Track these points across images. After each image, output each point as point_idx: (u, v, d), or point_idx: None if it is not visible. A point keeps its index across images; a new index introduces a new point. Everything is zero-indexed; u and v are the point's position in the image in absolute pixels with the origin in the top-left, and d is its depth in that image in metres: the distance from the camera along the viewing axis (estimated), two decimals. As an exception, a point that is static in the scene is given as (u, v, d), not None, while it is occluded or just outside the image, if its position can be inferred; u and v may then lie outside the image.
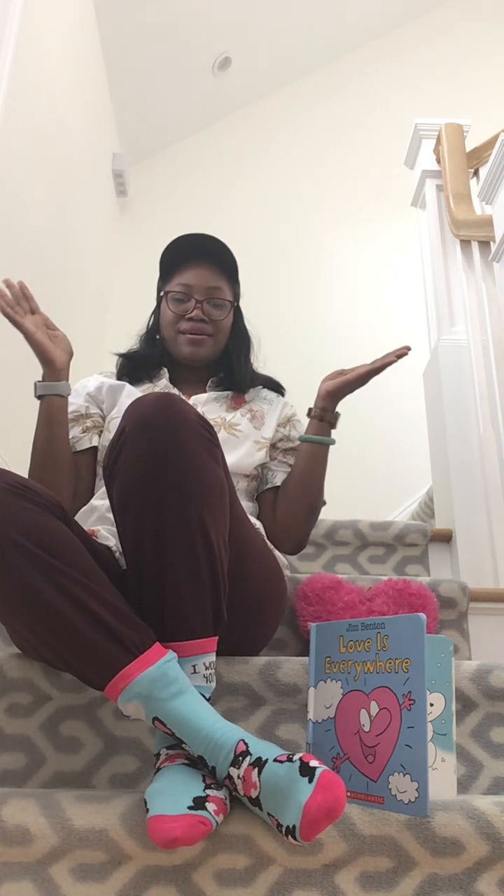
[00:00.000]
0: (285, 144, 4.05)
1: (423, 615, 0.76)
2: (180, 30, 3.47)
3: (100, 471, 1.36)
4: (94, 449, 1.37)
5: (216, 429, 1.29)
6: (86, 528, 1.16)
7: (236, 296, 1.50)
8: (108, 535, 1.14)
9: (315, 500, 1.36)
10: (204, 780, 0.77)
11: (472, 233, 2.12)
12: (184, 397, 1.27)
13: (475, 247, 2.14)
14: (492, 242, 2.02)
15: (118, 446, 0.91)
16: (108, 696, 0.82)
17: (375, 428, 3.36)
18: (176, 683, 0.80)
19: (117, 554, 1.09)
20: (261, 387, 1.52)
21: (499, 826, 0.76)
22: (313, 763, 0.69)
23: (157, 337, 1.49)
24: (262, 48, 3.85)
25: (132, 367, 1.47)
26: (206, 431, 0.93)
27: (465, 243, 2.18)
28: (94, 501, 1.27)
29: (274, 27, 3.77)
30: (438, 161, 2.32)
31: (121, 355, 1.50)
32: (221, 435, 1.33)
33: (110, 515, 1.18)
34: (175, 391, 1.40)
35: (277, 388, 1.55)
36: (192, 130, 4.04)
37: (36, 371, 1.30)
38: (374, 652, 0.80)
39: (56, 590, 0.81)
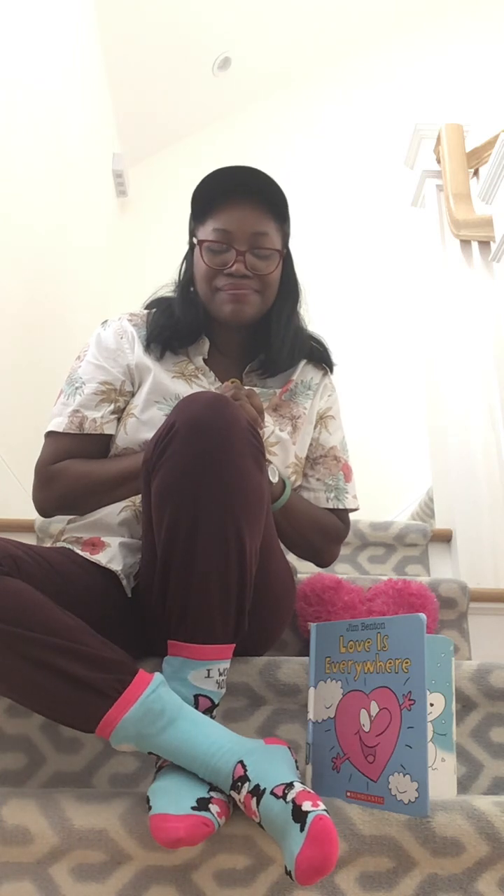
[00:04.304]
0: (285, 144, 4.05)
1: (423, 615, 0.76)
2: (180, 30, 3.48)
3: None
4: (111, 437, 1.19)
5: None
6: (89, 535, 1.09)
7: (286, 239, 1.24)
8: (117, 551, 1.06)
9: (304, 544, 1.24)
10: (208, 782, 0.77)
11: (472, 233, 2.12)
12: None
13: (475, 247, 2.15)
14: (492, 242, 2.02)
15: (166, 440, 0.89)
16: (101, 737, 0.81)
17: (375, 428, 3.35)
18: (163, 715, 0.78)
19: (124, 581, 1.04)
20: (304, 361, 1.30)
21: (499, 826, 0.76)
22: (306, 806, 0.67)
23: (192, 289, 1.25)
24: (262, 48, 3.85)
25: (169, 335, 1.22)
26: (254, 439, 0.92)
27: (465, 243, 2.18)
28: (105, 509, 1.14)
29: (274, 27, 3.77)
30: (438, 161, 2.32)
31: (155, 317, 1.24)
32: None
33: (118, 519, 1.10)
34: (211, 375, 1.23)
35: (323, 361, 1.32)
36: (192, 130, 4.04)
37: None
38: (374, 652, 0.80)
39: (19, 657, 0.78)
